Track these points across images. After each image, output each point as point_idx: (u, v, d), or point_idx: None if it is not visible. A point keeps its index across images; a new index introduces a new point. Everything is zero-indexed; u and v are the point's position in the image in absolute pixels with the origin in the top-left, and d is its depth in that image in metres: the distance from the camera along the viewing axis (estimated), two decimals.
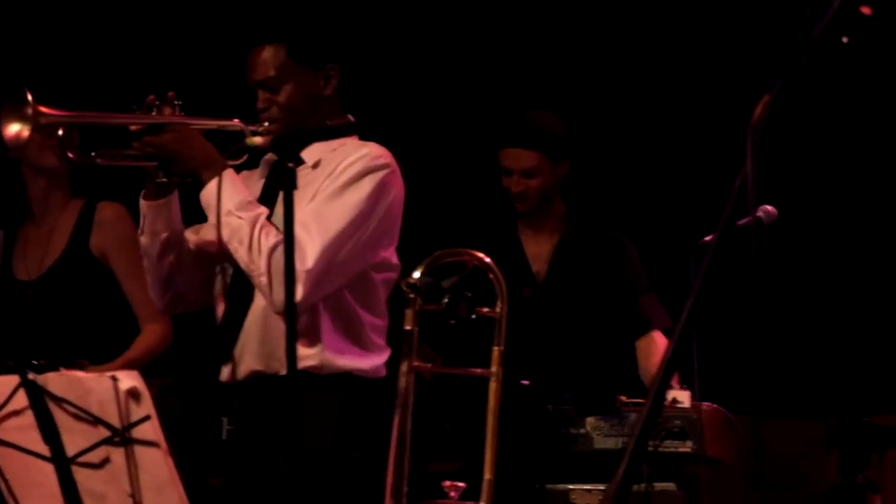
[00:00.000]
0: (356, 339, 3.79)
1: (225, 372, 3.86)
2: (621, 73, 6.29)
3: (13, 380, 3.07)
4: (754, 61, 5.90)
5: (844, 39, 1.97)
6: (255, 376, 3.78)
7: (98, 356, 4.64)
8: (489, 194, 5.32)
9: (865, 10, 1.98)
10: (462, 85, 6.23)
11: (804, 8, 2.00)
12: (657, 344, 4.96)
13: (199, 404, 4.90)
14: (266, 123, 3.80)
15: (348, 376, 3.76)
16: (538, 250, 5.04)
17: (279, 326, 3.72)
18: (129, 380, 2.99)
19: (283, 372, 3.74)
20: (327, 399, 3.69)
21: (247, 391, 3.81)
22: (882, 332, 5.95)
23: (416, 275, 3.22)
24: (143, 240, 3.85)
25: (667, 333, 5.00)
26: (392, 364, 3.75)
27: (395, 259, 3.85)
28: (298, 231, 3.63)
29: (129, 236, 4.59)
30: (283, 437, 3.58)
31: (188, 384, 4.97)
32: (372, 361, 3.80)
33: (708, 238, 4.68)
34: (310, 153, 3.84)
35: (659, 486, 4.44)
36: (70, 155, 3.84)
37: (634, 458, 1.84)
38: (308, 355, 3.66)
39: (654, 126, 6.31)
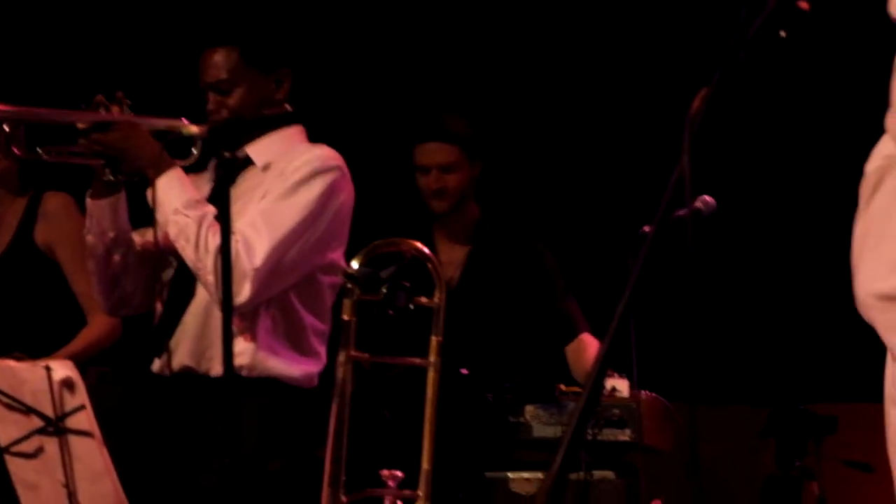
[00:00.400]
0: (295, 341, 3.77)
1: (157, 364, 3.84)
2: (539, 72, 6.28)
3: None
4: (678, 57, 5.94)
5: (782, 34, 1.97)
6: (185, 372, 3.76)
7: (44, 349, 4.61)
8: (403, 201, 5.27)
9: (803, 5, 1.98)
10: (374, 89, 6.21)
11: (742, 2, 2.00)
12: (587, 344, 4.94)
13: (136, 394, 4.87)
14: None
15: (276, 383, 3.74)
16: (452, 256, 4.98)
17: (217, 325, 3.70)
18: (63, 369, 2.97)
19: (213, 372, 3.75)
20: (251, 406, 3.66)
21: (177, 386, 3.80)
22: (817, 321, 6.00)
23: (354, 265, 3.20)
24: (90, 239, 3.82)
25: (595, 335, 4.99)
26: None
27: (342, 262, 3.83)
28: (247, 230, 3.63)
29: (75, 227, 4.53)
30: (207, 440, 3.59)
31: (126, 374, 4.94)
32: (305, 368, 3.77)
33: (647, 228, 4.69)
34: (259, 154, 3.82)
35: (598, 474, 4.46)
36: (16, 151, 3.79)
37: (572, 447, 1.83)
38: (241, 352, 3.64)
39: (584, 122, 6.33)
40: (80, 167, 3.81)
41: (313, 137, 3.94)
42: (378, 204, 5.76)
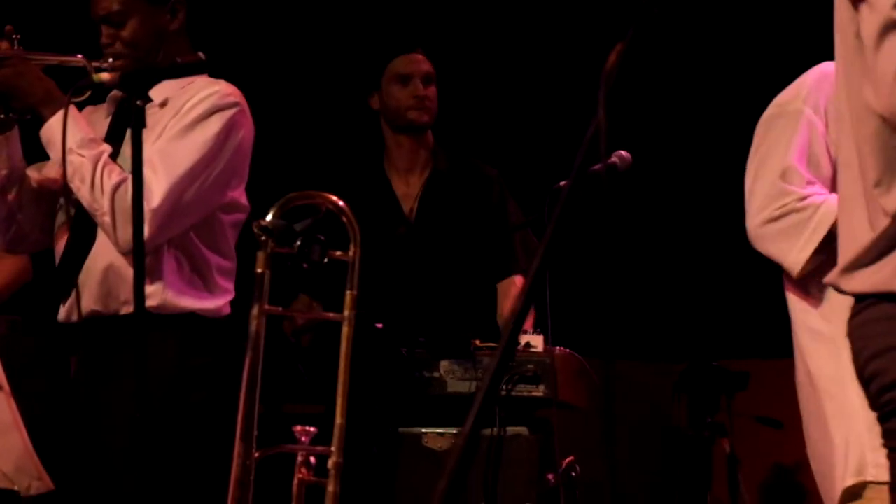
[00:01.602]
0: (201, 280, 3.74)
1: (63, 311, 3.79)
2: (483, 14, 6.28)
3: None
4: (608, 9, 5.93)
5: None
6: (93, 316, 3.71)
7: None
8: (352, 135, 5.27)
9: None
10: (320, 22, 6.17)
11: None
12: (516, 287, 4.98)
13: (48, 342, 4.83)
14: (111, 59, 3.70)
15: (190, 316, 3.71)
16: (408, 190, 5.01)
17: (120, 267, 3.67)
18: None
19: (122, 312, 3.70)
20: (169, 339, 3.64)
21: (86, 331, 3.75)
22: (729, 277, 6.04)
23: (269, 217, 3.17)
24: None
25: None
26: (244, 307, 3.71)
27: (244, 200, 3.81)
28: (144, 170, 3.56)
29: None
30: (124, 379, 3.55)
31: (37, 322, 4.89)
32: (215, 302, 3.75)
33: (563, 183, 4.70)
34: (158, 91, 3.75)
35: (511, 430, 4.47)
36: None
37: (485, 405, 1.82)
38: (149, 294, 3.58)
39: (512, 68, 6.32)
40: None
41: (246, 75, 3.90)
42: (326, 138, 5.74)
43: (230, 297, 3.80)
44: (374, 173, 5.02)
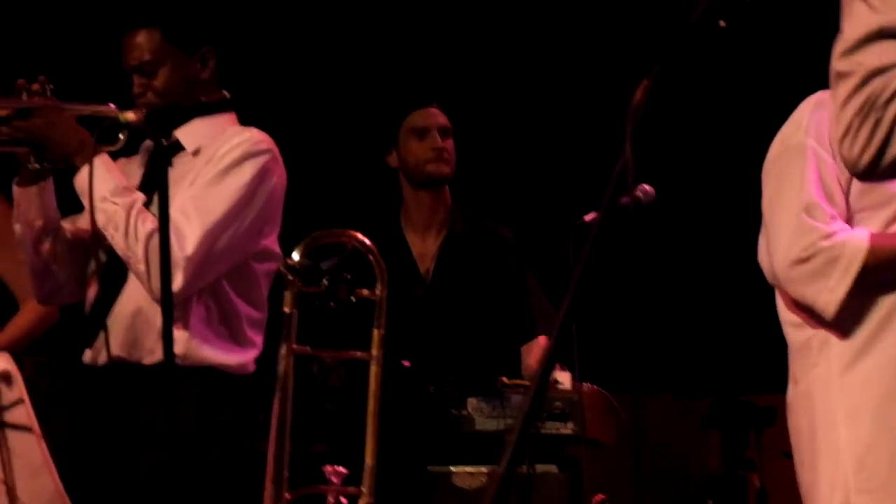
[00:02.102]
0: (230, 331, 3.74)
1: (88, 355, 3.79)
2: (491, 65, 6.29)
3: None
4: (630, 47, 5.93)
5: (722, 24, 1.97)
6: (117, 362, 3.72)
7: None
8: (371, 190, 5.25)
9: None
10: (334, 80, 6.19)
11: None
12: (540, 347, 4.94)
13: (73, 384, 4.83)
14: (143, 109, 3.72)
15: (211, 371, 3.71)
16: (424, 249, 4.96)
17: (148, 313, 3.67)
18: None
19: (147, 361, 3.71)
20: (188, 392, 3.61)
21: (110, 376, 3.75)
22: (753, 311, 6.02)
23: (295, 256, 3.18)
24: (17, 228, 3.76)
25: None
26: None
27: (277, 248, 3.79)
28: (178, 217, 3.57)
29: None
30: (143, 429, 3.55)
31: (62, 364, 4.90)
32: (240, 357, 3.74)
33: (587, 218, 4.69)
34: (189, 139, 3.77)
35: (540, 467, 4.45)
36: None
37: (519, 447, 1.82)
38: (174, 341, 3.58)
39: (529, 114, 6.33)
40: (2, 155, 3.75)
41: (271, 123, 3.92)
42: (341, 196, 5.75)
43: (257, 351, 3.78)
44: (391, 231, 4.97)
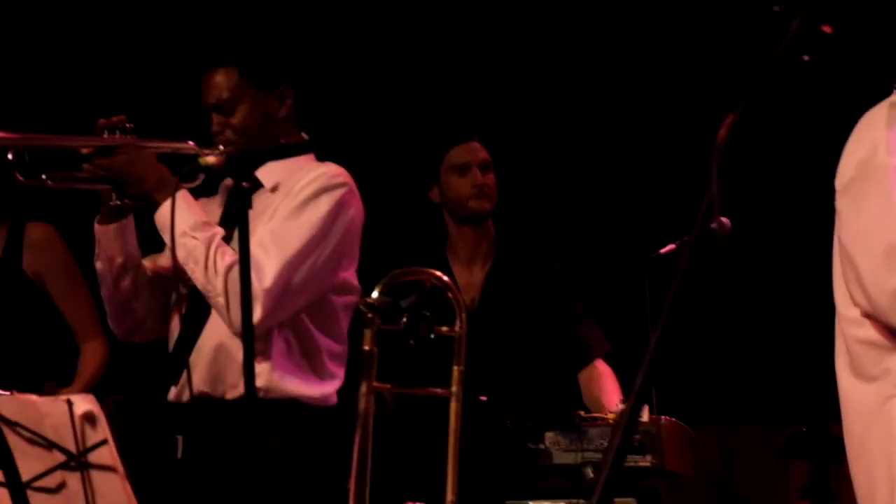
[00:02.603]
0: (311, 364, 3.74)
1: (173, 392, 3.82)
2: (560, 95, 6.28)
3: None
4: (693, 82, 5.92)
5: (805, 58, 1.96)
6: (201, 398, 3.74)
7: (36, 377, 4.62)
8: (416, 222, 5.26)
9: (826, 29, 1.97)
10: (377, 117, 6.20)
11: (764, 28, 1.99)
12: (599, 373, 4.92)
13: (153, 422, 4.86)
14: (221, 146, 3.75)
15: (295, 403, 3.71)
16: (470, 279, 4.95)
17: (230, 348, 3.69)
18: (84, 403, 2.95)
19: (230, 396, 3.72)
20: (272, 426, 3.63)
21: (194, 412, 3.78)
22: (830, 340, 5.96)
23: (374, 294, 3.18)
24: (99, 265, 3.80)
25: (607, 359, 4.96)
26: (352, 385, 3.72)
27: (355, 281, 3.80)
28: (256, 251, 3.59)
29: (62, 256, 4.72)
30: (228, 463, 3.57)
31: (141, 402, 4.93)
32: (322, 389, 3.74)
33: (663, 251, 4.68)
34: (267, 176, 3.80)
35: (619, 501, 4.42)
36: (20, 178, 3.77)
37: (609, 484, 1.81)
38: (256, 374, 3.57)
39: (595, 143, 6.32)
40: (55, 196, 3.79)
41: (330, 157, 3.93)
42: (387, 230, 5.76)
43: (339, 383, 3.78)
44: (437, 264, 4.96)
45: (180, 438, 4.37)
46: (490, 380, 4.69)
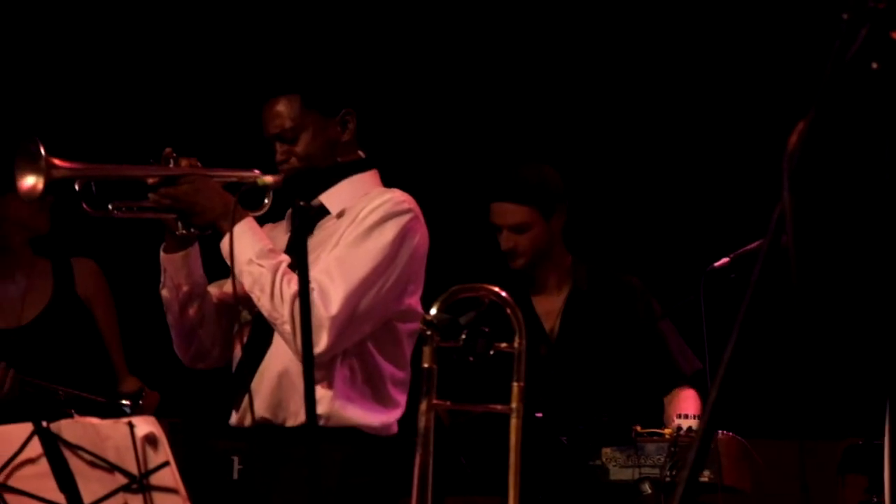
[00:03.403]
0: (373, 391, 3.74)
1: (234, 417, 3.82)
2: (622, 107, 6.27)
3: (27, 427, 3.02)
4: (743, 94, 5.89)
5: (874, 65, 1.94)
6: (262, 424, 3.73)
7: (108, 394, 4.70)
8: (496, 252, 5.23)
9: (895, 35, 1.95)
10: (459, 138, 6.19)
11: (834, 35, 1.97)
12: (684, 398, 4.86)
13: (208, 444, 4.87)
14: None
15: (355, 432, 3.70)
16: (549, 307, 4.90)
17: (293, 374, 3.68)
18: (145, 425, 2.94)
19: (291, 423, 3.72)
20: (331, 454, 3.62)
21: (255, 438, 3.78)
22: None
23: (433, 311, 3.17)
24: (165, 293, 3.81)
25: (696, 377, 4.89)
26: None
27: (419, 308, 3.78)
28: (322, 277, 3.59)
29: (106, 290, 4.87)
30: (287, 491, 3.56)
31: (196, 424, 4.94)
32: (383, 417, 3.74)
33: (718, 264, 4.64)
34: (333, 202, 3.80)
35: None
36: (86, 208, 3.77)
37: (686, 495, 1.79)
38: (318, 401, 3.56)
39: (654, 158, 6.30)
40: (93, 232, 3.81)
41: (393, 181, 3.92)
42: (473, 255, 5.74)
43: (400, 412, 3.78)
44: (516, 291, 4.92)
45: (236, 459, 4.36)
46: (549, 395, 4.66)
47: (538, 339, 4.83)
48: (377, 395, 3.73)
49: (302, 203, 3.11)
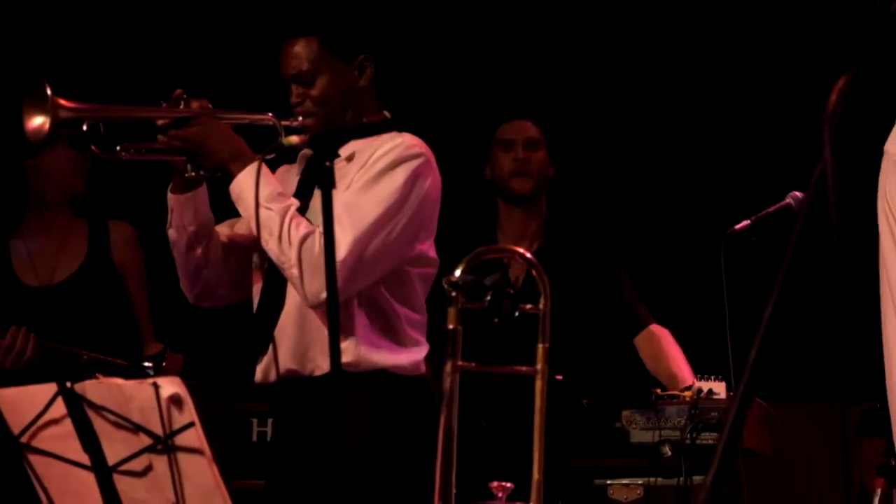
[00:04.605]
0: (393, 334, 3.72)
1: (259, 372, 3.79)
2: (646, 50, 6.24)
3: (51, 388, 3.01)
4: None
5: None
6: (290, 377, 3.71)
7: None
8: (467, 202, 5.24)
9: None
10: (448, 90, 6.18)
11: None
12: (658, 335, 4.89)
13: (227, 406, 4.87)
14: (300, 118, 3.72)
15: (385, 374, 3.69)
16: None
17: (314, 324, 3.66)
18: (170, 386, 2.92)
19: (318, 372, 3.70)
20: (364, 399, 3.61)
21: (282, 392, 3.75)
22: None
23: (457, 273, 3.14)
24: (171, 233, 3.79)
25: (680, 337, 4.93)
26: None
27: (432, 253, 3.77)
28: None
29: (141, 257, 4.87)
30: (320, 440, 3.53)
31: (215, 386, 4.94)
32: (410, 357, 3.72)
33: (739, 226, 4.63)
34: (345, 147, 3.77)
35: (698, 479, 4.40)
36: (94, 150, 3.75)
37: (725, 460, 1.77)
38: (343, 350, 3.54)
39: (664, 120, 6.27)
40: (136, 196, 3.79)
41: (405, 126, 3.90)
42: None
43: (425, 349, 3.76)
44: (486, 242, 4.96)
45: (255, 421, 4.35)
46: (566, 359, 4.66)
47: None
48: (397, 338, 3.72)
49: (327, 164, 3.08)
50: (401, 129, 3.83)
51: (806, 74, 5.75)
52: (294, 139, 3.65)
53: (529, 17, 6.24)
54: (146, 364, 4.54)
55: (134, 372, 4.50)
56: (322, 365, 3.66)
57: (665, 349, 4.86)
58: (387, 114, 3.85)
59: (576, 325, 4.84)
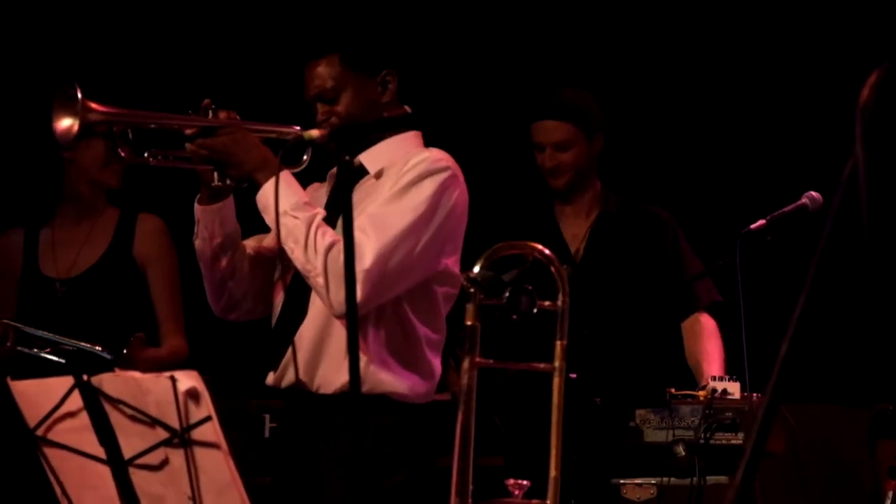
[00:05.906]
0: (408, 354, 3.70)
1: (271, 377, 3.80)
2: (665, 50, 6.22)
3: (68, 381, 3.00)
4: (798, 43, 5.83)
5: None
6: (295, 388, 3.71)
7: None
8: (524, 177, 5.26)
9: None
10: (495, 69, 6.17)
11: None
12: (702, 326, 4.89)
13: (239, 402, 4.86)
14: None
15: (387, 400, 3.68)
16: (575, 230, 4.98)
17: (331, 339, 3.66)
18: (188, 380, 2.90)
19: (323, 391, 3.70)
20: (366, 421, 3.57)
21: (291, 399, 3.77)
22: None
23: (476, 268, 3.13)
24: (198, 244, 3.79)
25: (712, 309, 4.93)
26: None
27: (456, 269, 3.75)
28: (356, 233, 3.52)
29: (168, 251, 4.84)
30: (318, 455, 3.54)
31: (227, 382, 4.93)
32: (416, 383, 3.71)
33: (754, 226, 4.63)
34: (372, 162, 3.77)
35: (711, 479, 4.39)
36: (123, 154, 3.76)
37: (752, 461, 1.76)
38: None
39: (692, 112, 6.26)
40: (166, 187, 3.79)
41: (429, 136, 3.89)
42: (500, 185, 5.74)
43: (435, 376, 3.75)
44: (544, 216, 5.00)
45: (267, 417, 4.34)
46: (583, 355, 4.65)
47: (563, 260, 4.85)
48: (412, 358, 3.70)
49: (347, 158, 3.06)
50: (419, 126, 3.83)
51: (823, 74, 5.73)
52: (314, 133, 3.65)
53: (545, 19, 6.23)
54: (98, 348, 4.45)
55: (84, 356, 4.43)
56: (329, 383, 3.67)
57: (702, 343, 4.87)
58: (407, 108, 3.85)
59: (632, 299, 4.83)
